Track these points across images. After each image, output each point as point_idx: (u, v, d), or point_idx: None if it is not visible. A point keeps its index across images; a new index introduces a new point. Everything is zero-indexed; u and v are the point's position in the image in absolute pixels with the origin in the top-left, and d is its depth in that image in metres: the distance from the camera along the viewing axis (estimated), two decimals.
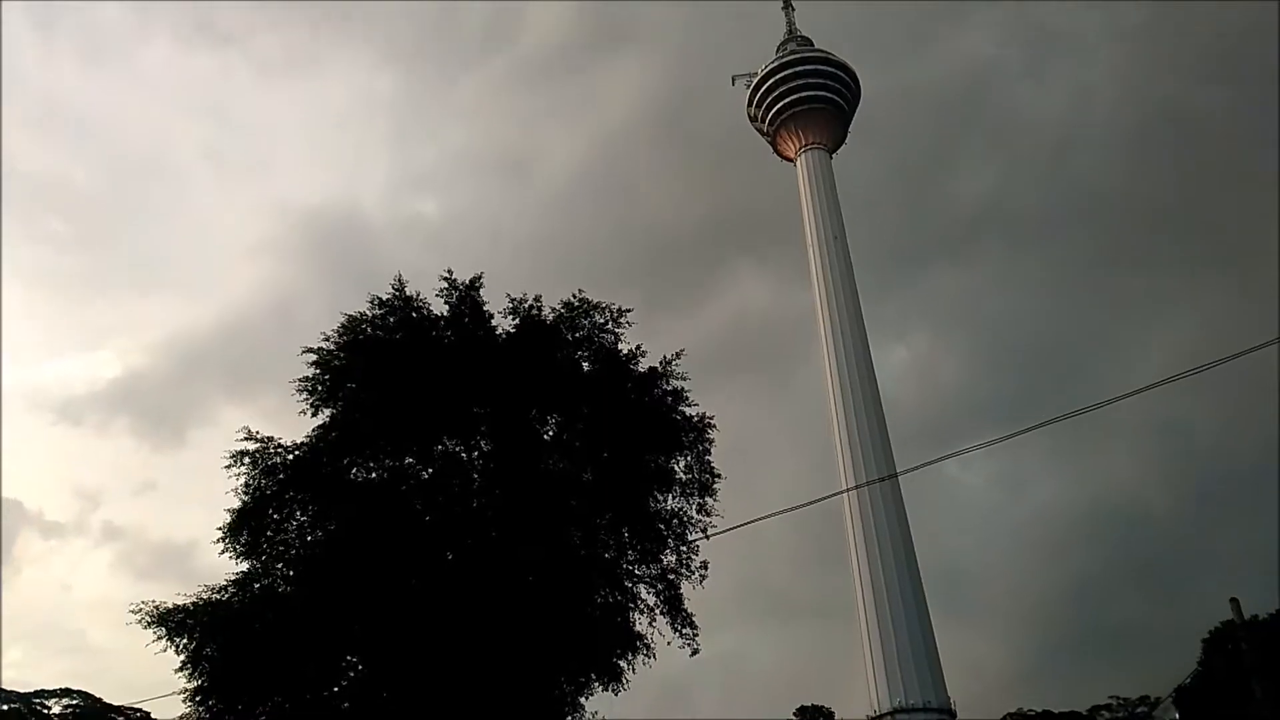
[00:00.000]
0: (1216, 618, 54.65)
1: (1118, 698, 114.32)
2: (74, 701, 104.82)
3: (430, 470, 25.17)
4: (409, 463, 25.20)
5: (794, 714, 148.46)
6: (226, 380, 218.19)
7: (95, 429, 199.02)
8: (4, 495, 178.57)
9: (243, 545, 24.07)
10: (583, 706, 27.19)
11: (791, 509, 26.71)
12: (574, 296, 26.01)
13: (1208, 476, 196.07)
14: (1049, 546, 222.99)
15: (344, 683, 26.02)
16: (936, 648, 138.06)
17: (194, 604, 23.82)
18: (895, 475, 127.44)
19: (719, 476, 26.03)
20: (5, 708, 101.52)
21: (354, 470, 24.72)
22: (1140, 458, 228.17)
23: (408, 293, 25.69)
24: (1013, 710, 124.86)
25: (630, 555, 26.01)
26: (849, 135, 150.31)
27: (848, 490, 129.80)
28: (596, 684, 26.27)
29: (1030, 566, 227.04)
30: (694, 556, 25.82)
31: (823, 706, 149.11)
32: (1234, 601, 26.95)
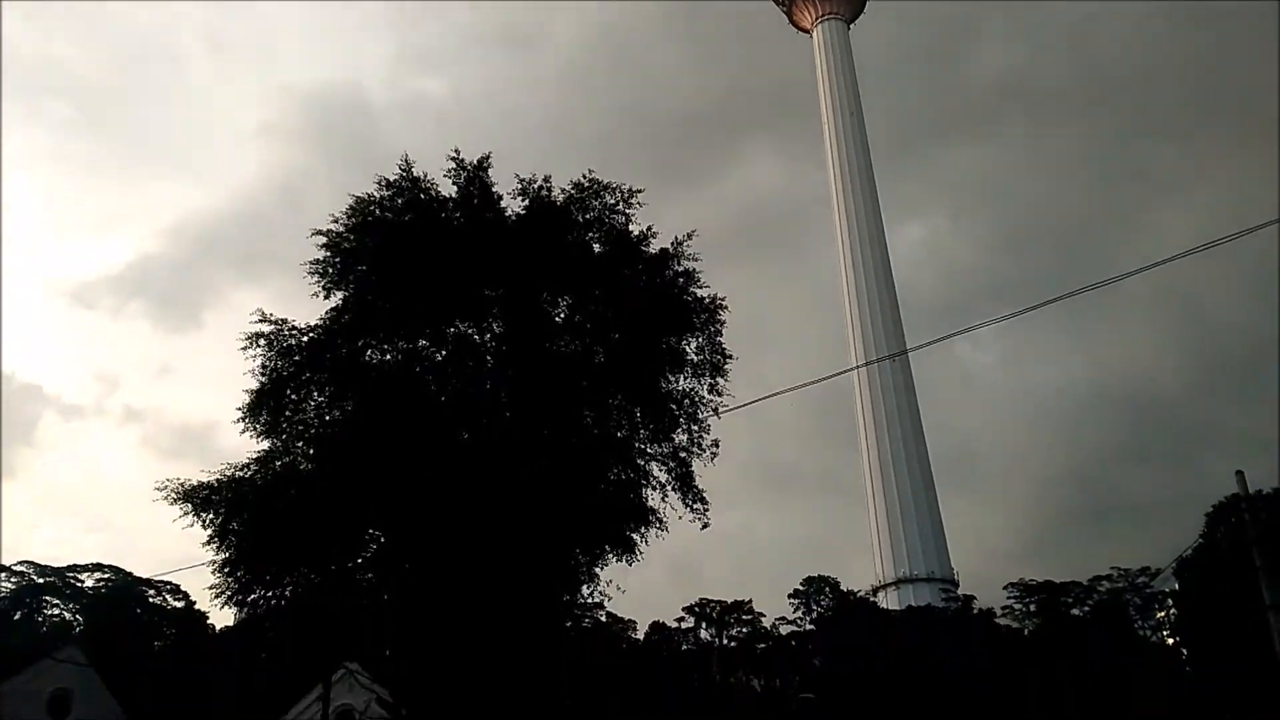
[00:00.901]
0: (1221, 493, 55.60)
1: (1119, 568, 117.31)
2: (105, 576, 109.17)
3: (443, 352, 25.39)
4: (422, 345, 25.40)
5: (800, 584, 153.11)
6: (238, 264, 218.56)
7: (111, 313, 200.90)
8: (24, 380, 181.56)
9: (262, 425, 24.54)
10: (598, 576, 28.18)
11: (803, 385, 27.00)
12: (584, 177, 25.65)
13: (1218, 354, 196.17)
14: (1057, 424, 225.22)
15: (366, 555, 26.97)
16: (942, 521, 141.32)
17: (218, 481, 24.52)
18: (906, 352, 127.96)
19: (730, 357, 26.19)
20: (41, 581, 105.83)
21: (368, 352, 24.97)
22: (1152, 335, 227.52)
23: (415, 174, 25.38)
24: (1014, 580, 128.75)
25: (642, 434, 26.42)
26: (867, 5, 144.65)
27: (859, 367, 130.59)
28: (610, 555, 27.13)
29: (1037, 443, 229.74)
30: (705, 435, 26.23)
31: (829, 577, 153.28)
32: (1239, 474, 27.14)
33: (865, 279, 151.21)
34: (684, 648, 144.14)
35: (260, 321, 24.36)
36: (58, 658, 38.20)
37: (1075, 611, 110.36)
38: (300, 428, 24.65)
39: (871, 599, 44.19)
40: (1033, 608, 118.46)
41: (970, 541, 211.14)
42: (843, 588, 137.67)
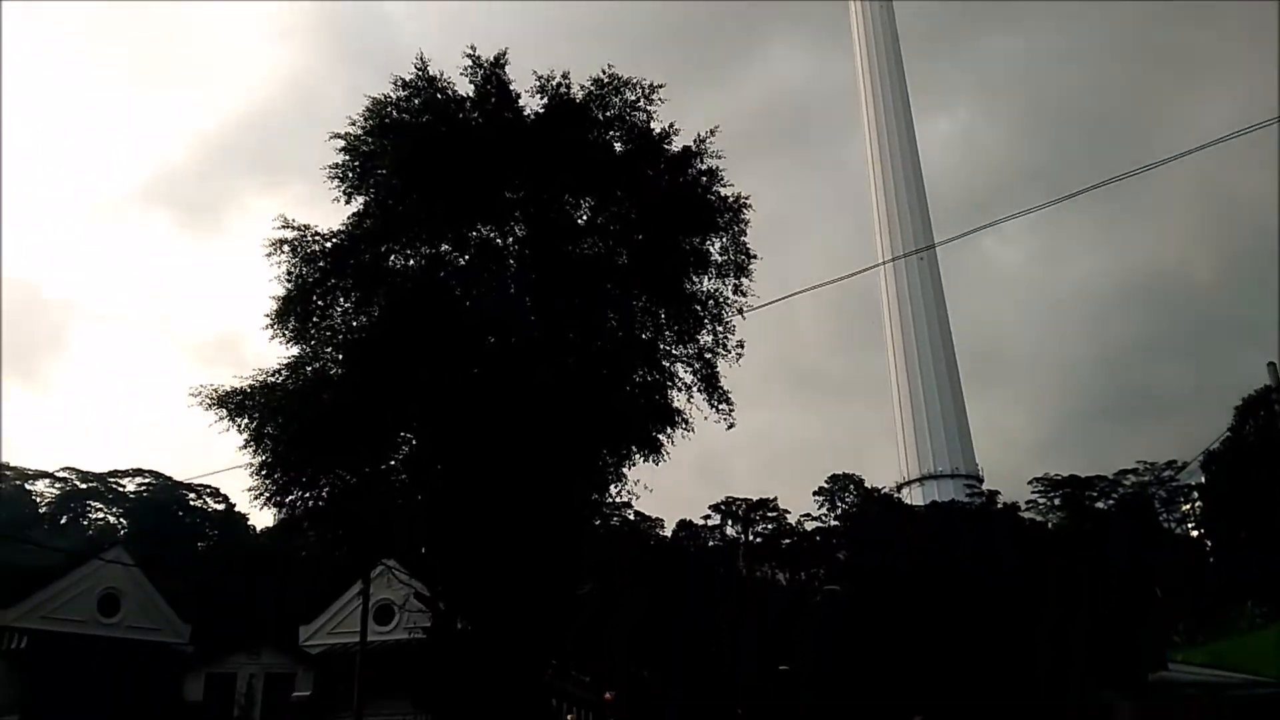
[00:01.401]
0: (1252, 386, 54.96)
1: (1144, 462, 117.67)
2: (146, 480, 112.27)
3: (466, 257, 25.30)
4: (445, 250, 25.31)
5: (825, 482, 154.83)
6: (258, 170, 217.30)
7: (135, 221, 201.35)
8: (55, 293, 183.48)
9: (290, 331, 24.72)
10: (625, 476, 28.62)
11: (831, 281, 26.76)
12: (603, 73, 25.02)
13: (1251, 245, 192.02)
14: (1085, 319, 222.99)
15: (398, 457, 27.48)
16: (967, 418, 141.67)
17: (250, 387, 24.89)
18: (934, 246, 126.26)
19: (754, 257, 25.93)
20: (84, 486, 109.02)
21: (391, 258, 24.93)
22: (1183, 227, 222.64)
23: (431, 73, 24.84)
24: (1039, 475, 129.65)
25: (667, 336, 26.44)
26: None
27: (887, 262, 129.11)
28: (637, 455, 27.48)
29: (1065, 339, 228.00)
30: (729, 336, 26.22)
31: (853, 475, 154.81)
32: (1271, 366, 26.71)
33: (893, 173, 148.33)
34: (710, 544, 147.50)
35: (283, 228, 24.30)
36: (105, 558, 39.54)
37: (1100, 505, 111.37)
38: (328, 333, 24.83)
39: (895, 495, 44.69)
40: (1057, 502, 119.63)
41: (995, 438, 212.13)
42: (867, 485, 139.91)
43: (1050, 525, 49.76)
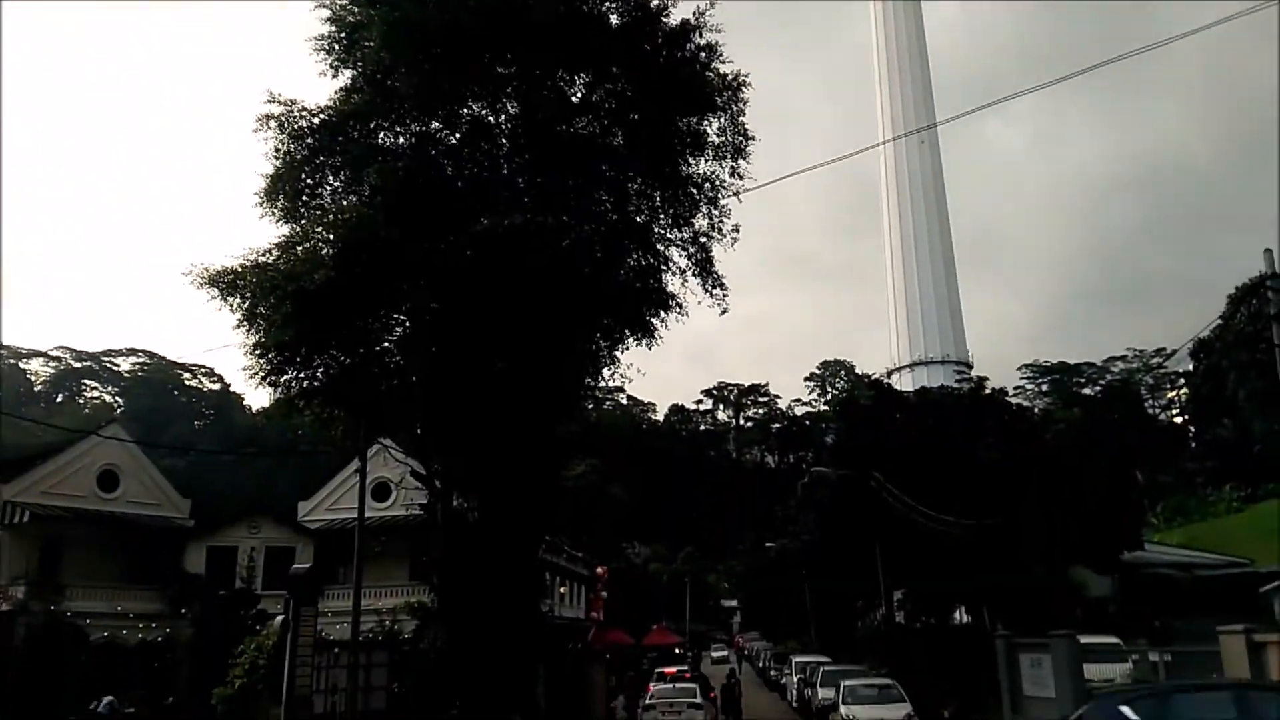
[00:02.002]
0: (1248, 274, 54.87)
1: (1134, 350, 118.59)
2: (140, 360, 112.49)
3: (457, 135, 24.74)
4: (435, 128, 24.70)
5: (817, 368, 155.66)
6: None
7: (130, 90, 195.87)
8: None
9: (280, 210, 24.38)
10: (618, 359, 28.74)
11: (829, 162, 26.40)
12: None
13: (1253, 131, 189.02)
14: (1084, 205, 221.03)
15: (392, 338, 27.48)
16: (960, 305, 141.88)
17: (241, 266, 24.70)
18: (936, 125, 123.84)
19: (752, 139, 25.38)
20: (78, 365, 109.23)
21: (381, 135, 24.38)
22: (1187, 111, 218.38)
23: None
24: (1029, 361, 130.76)
25: (662, 219, 26.14)
26: None
27: (888, 141, 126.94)
28: (630, 338, 27.55)
29: (1063, 225, 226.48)
30: (725, 220, 25.95)
31: (844, 361, 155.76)
32: (1267, 252, 26.46)
33: (898, 53, 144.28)
34: (702, 428, 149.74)
35: (270, 103, 23.66)
36: (102, 434, 39.94)
37: (1087, 391, 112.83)
38: (318, 212, 24.48)
39: (886, 381, 45.13)
40: (1045, 388, 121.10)
41: (989, 324, 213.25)
42: (858, 371, 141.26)
43: (1037, 410, 50.41)
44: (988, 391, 44.69)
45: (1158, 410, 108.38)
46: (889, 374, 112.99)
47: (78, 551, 37.02)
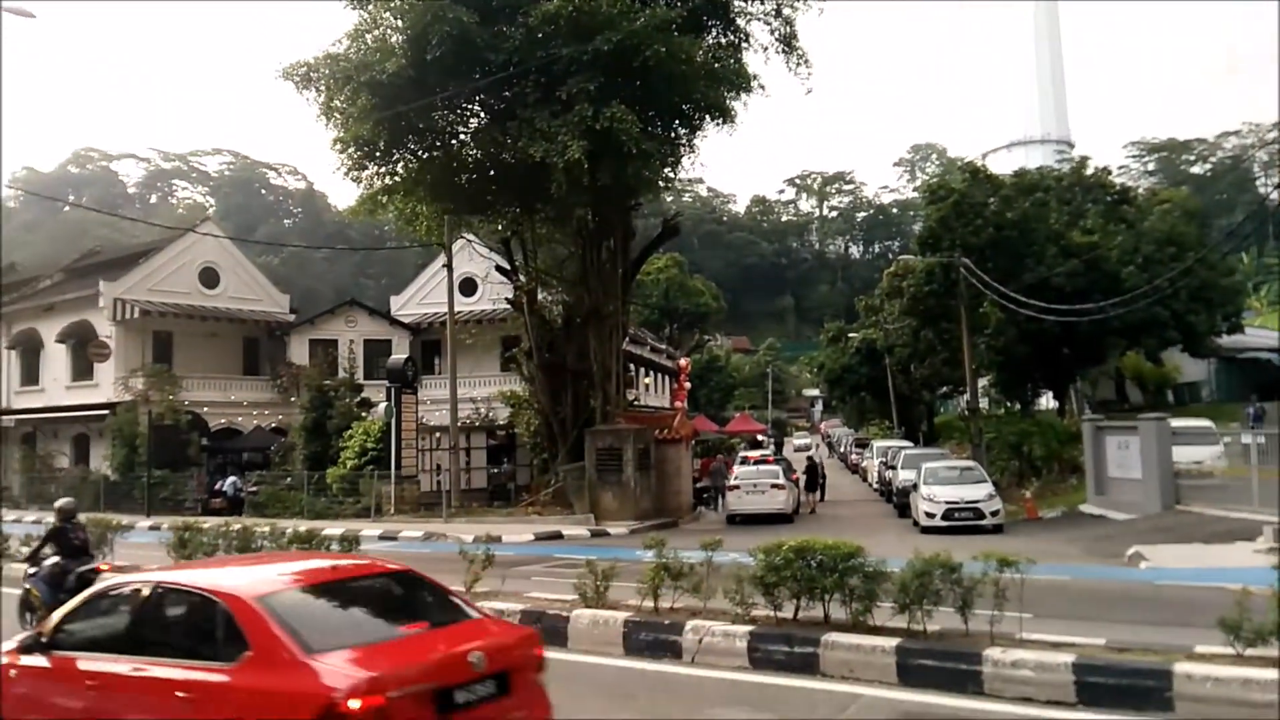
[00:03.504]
0: None
1: (1250, 124, 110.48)
2: (227, 159, 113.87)
3: None
4: None
5: (906, 152, 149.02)
6: None
7: None
8: None
9: None
10: (696, 148, 27.93)
11: None
12: None
13: None
14: None
15: (467, 130, 27.13)
16: (1064, 78, 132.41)
17: (315, 59, 24.52)
18: None
19: None
20: (168, 165, 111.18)
21: None
22: None
23: None
24: (1134, 140, 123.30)
25: None
26: None
27: None
28: (710, 123, 26.63)
29: None
30: None
31: (935, 144, 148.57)
32: None
33: None
34: (784, 219, 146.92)
35: None
36: (199, 230, 41.05)
37: (1196, 170, 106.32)
38: None
39: (981, 163, 43.03)
40: (1151, 166, 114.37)
41: (1093, 100, 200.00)
42: (950, 155, 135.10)
43: (1142, 191, 47.79)
44: (1089, 172, 42.40)
45: (1270, 189, 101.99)
46: (984, 156, 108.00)
47: (188, 346, 39.03)
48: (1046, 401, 45.10)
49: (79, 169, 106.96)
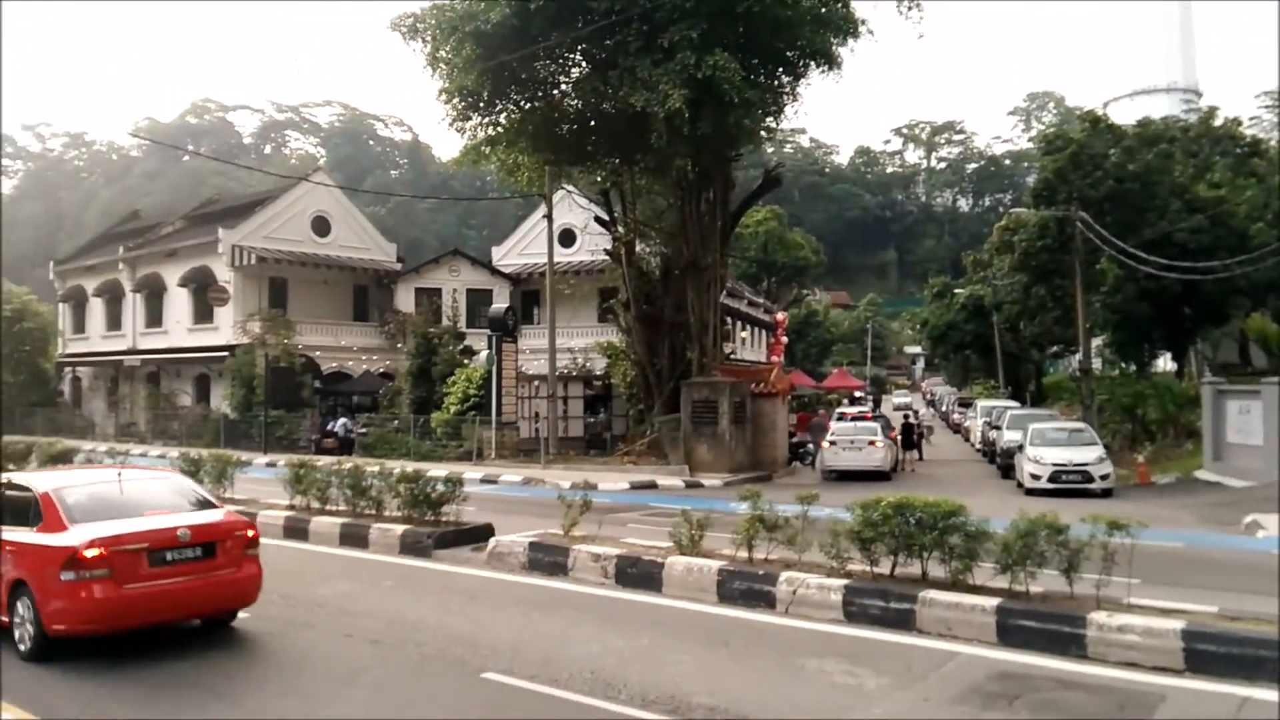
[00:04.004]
0: None
1: None
2: (337, 111, 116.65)
3: None
4: None
5: (1022, 100, 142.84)
6: None
7: None
8: None
9: None
10: (799, 96, 27.31)
11: None
12: None
13: None
14: None
15: (569, 80, 27.10)
16: (1192, 22, 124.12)
17: (422, 10, 24.91)
18: None
19: None
20: (281, 116, 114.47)
21: None
22: None
23: None
24: (1268, 90, 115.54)
25: None
26: None
27: None
28: (815, 71, 25.99)
29: None
30: None
31: (1053, 92, 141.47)
32: None
33: None
34: (889, 171, 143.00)
35: None
36: (311, 179, 42.32)
37: None
38: None
39: (1102, 112, 40.90)
40: None
41: (1224, 44, 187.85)
42: (1068, 103, 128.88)
43: (1275, 143, 44.84)
44: (1218, 123, 39.98)
45: None
46: (1105, 105, 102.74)
47: (301, 292, 40.47)
48: (1164, 363, 43.22)
49: (197, 119, 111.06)
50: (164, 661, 7.84)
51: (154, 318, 42.91)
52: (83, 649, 7.84)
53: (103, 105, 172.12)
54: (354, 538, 13.51)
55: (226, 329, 38.29)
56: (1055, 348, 49.76)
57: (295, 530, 14.34)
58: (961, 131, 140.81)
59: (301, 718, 6.40)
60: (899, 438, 29.71)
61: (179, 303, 41.24)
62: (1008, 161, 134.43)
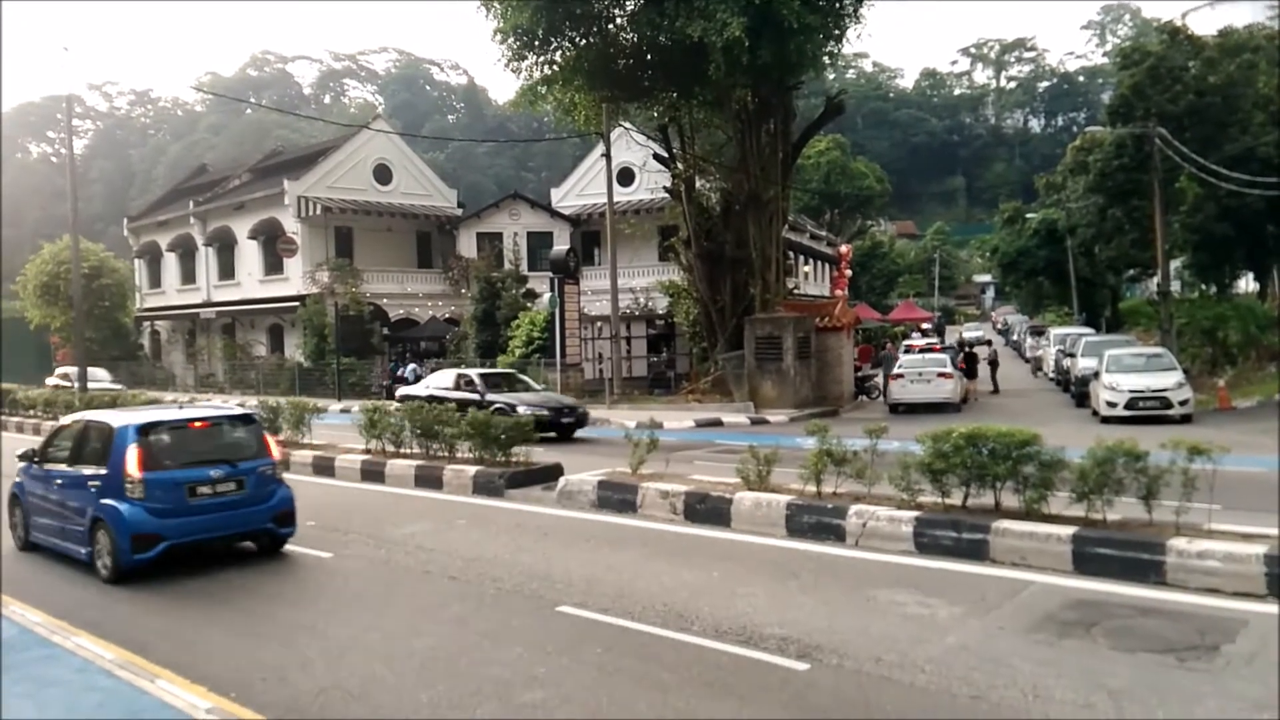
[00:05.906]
0: None
1: None
2: (393, 57, 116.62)
3: None
4: None
5: (1097, 13, 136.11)
6: None
7: None
8: None
9: None
10: (862, 18, 26.49)
11: None
12: None
13: None
14: None
15: (624, 14, 26.64)
16: None
17: None
18: None
19: None
20: (338, 66, 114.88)
21: None
22: None
23: None
24: None
25: None
26: None
27: None
28: None
29: None
30: None
31: (1128, 3, 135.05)
32: None
33: None
34: (957, 93, 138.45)
35: None
36: (371, 127, 42.63)
37: None
38: None
39: (1181, 22, 38.76)
40: None
41: None
42: (1145, 15, 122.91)
43: None
44: None
45: None
46: (1184, 15, 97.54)
47: (366, 240, 41.06)
48: (1246, 284, 41.65)
49: (257, 72, 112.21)
50: (245, 600, 8.19)
51: (226, 270, 43.94)
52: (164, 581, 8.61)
53: (165, 62, 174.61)
54: (428, 479, 13.85)
55: (296, 279, 39.08)
56: (1132, 271, 48.21)
57: (372, 473, 14.76)
58: (1033, 49, 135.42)
59: (388, 650, 6.65)
60: (965, 368, 29.27)
61: (249, 254, 42.15)
62: (1082, 79, 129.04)
